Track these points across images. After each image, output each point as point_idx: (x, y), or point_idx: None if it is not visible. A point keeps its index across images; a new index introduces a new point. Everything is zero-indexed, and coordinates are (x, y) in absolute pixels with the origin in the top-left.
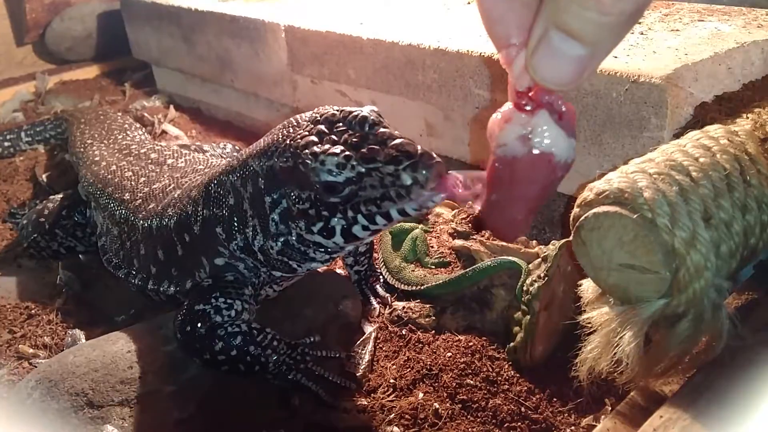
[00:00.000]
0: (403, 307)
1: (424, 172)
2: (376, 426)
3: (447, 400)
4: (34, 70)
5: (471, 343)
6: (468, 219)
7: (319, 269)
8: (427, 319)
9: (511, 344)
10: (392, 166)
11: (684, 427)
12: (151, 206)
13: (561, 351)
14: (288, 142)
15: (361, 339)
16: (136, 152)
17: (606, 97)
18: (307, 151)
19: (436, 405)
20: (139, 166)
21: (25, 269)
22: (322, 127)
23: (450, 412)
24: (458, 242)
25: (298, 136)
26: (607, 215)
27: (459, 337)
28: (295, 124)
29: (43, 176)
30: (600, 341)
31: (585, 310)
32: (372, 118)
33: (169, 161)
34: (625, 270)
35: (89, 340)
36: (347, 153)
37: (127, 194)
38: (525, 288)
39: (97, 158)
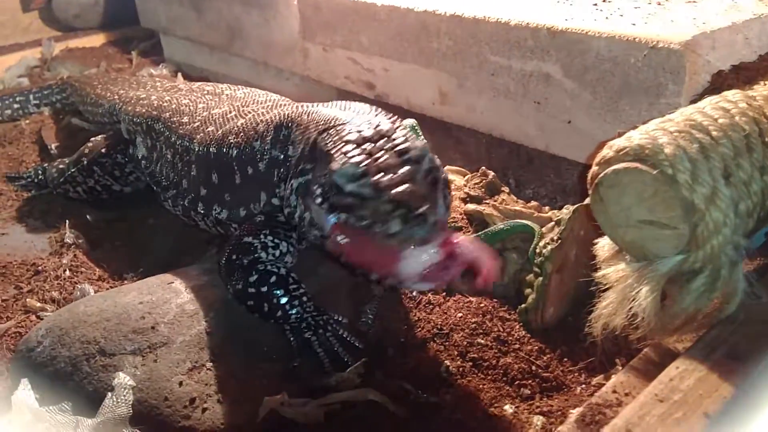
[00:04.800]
0: None
1: (410, 230)
2: (383, 382)
3: (458, 358)
4: (40, 37)
5: (482, 305)
6: (481, 184)
7: None
8: None
9: (523, 305)
10: (390, 207)
11: (699, 378)
12: (209, 129)
13: (571, 315)
14: (340, 128)
15: (370, 299)
16: (187, 88)
17: (624, 63)
18: (344, 145)
19: (447, 362)
20: (195, 95)
21: (31, 228)
22: (374, 134)
23: (461, 369)
24: (471, 206)
25: (351, 130)
26: (627, 171)
27: (470, 299)
28: (364, 118)
29: (53, 146)
30: (615, 297)
31: (600, 268)
32: (414, 155)
33: (227, 92)
34: (643, 226)
35: (94, 294)
36: (364, 171)
37: (186, 118)
38: (538, 250)
39: (143, 96)
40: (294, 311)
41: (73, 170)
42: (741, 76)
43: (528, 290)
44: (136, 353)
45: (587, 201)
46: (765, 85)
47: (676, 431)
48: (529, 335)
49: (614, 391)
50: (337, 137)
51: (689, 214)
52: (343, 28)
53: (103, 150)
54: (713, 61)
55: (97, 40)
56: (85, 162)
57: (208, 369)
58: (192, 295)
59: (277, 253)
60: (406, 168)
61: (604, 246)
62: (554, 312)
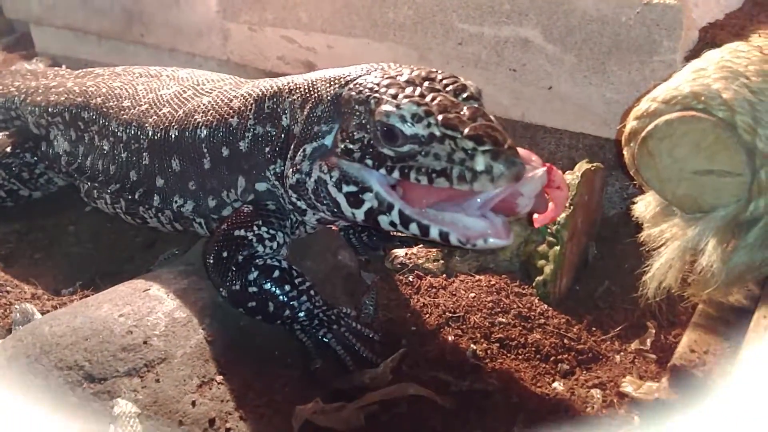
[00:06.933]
0: (406, 254)
1: (502, 166)
2: (412, 375)
3: (482, 340)
4: None
5: (492, 282)
6: None
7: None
8: (435, 264)
9: (540, 278)
10: (472, 143)
11: None
12: (164, 112)
13: (577, 283)
14: (370, 76)
15: (366, 289)
16: (110, 72)
17: (613, 22)
18: (386, 89)
19: (473, 346)
20: (126, 78)
21: None
22: (415, 78)
23: (488, 351)
24: None
25: (385, 75)
26: (682, 120)
27: (478, 277)
28: (388, 67)
29: None
30: (673, 254)
31: (645, 227)
32: (473, 90)
33: (166, 73)
34: (698, 177)
35: (50, 312)
36: (429, 109)
37: (127, 102)
38: None
39: (54, 84)
40: (303, 308)
41: None
42: (725, 31)
43: (542, 262)
44: (132, 374)
45: (588, 164)
46: (760, 36)
47: None
48: (550, 308)
49: (692, 351)
50: (371, 85)
51: (751, 159)
52: (275, 4)
53: (8, 149)
54: (697, 18)
55: None
56: None
57: (219, 383)
58: (178, 301)
59: (275, 245)
60: (471, 104)
61: (648, 204)
62: (566, 282)
